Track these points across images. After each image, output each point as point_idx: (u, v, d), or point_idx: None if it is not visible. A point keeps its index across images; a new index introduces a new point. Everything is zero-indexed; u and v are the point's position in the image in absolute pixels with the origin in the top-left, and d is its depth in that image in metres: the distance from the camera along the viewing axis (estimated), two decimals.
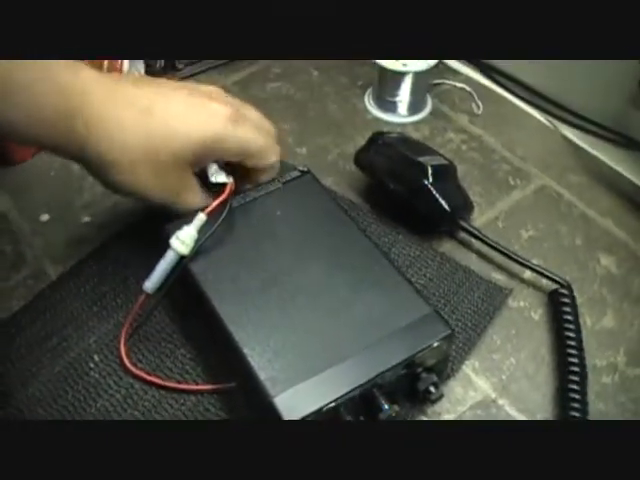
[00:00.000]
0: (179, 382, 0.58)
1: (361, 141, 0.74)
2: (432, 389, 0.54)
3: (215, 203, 0.58)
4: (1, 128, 0.51)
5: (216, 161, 0.60)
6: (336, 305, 0.55)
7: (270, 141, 0.61)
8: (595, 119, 0.78)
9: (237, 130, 0.57)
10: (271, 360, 0.51)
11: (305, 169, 0.66)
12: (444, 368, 0.58)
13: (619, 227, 0.72)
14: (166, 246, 0.56)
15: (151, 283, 0.57)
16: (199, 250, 0.57)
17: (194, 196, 0.60)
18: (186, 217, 0.57)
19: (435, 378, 0.54)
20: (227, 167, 0.61)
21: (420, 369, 0.54)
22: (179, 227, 0.56)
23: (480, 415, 0.58)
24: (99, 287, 0.65)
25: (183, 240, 0.56)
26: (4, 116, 0.50)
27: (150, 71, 0.87)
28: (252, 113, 0.61)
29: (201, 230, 0.57)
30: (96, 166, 0.55)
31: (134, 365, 0.59)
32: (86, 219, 0.72)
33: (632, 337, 0.63)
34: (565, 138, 0.81)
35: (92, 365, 0.59)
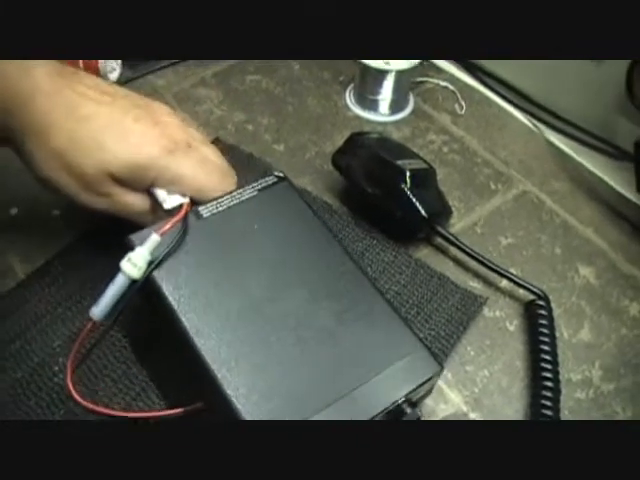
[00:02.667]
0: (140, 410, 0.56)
1: (340, 140, 0.72)
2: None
3: (169, 224, 0.53)
4: None
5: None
6: (321, 339, 0.51)
7: (214, 178, 0.59)
8: (581, 124, 0.77)
9: (171, 162, 0.55)
10: (258, 403, 0.47)
11: (281, 174, 0.62)
12: (426, 398, 0.56)
13: (600, 237, 0.71)
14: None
15: (98, 309, 0.52)
16: (170, 269, 0.53)
17: (126, 199, 0.57)
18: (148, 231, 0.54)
19: (419, 413, 0.51)
20: None
21: (405, 405, 0.51)
22: (133, 248, 0.53)
23: None
24: (65, 288, 0.63)
25: (135, 263, 0.51)
26: None
27: (129, 61, 0.86)
28: (203, 148, 0.59)
29: (155, 251, 0.52)
30: (25, 162, 0.56)
31: (83, 397, 0.55)
32: (56, 212, 0.70)
33: (608, 351, 0.62)
34: (549, 143, 0.80)
35: (56, 369, 0.58)
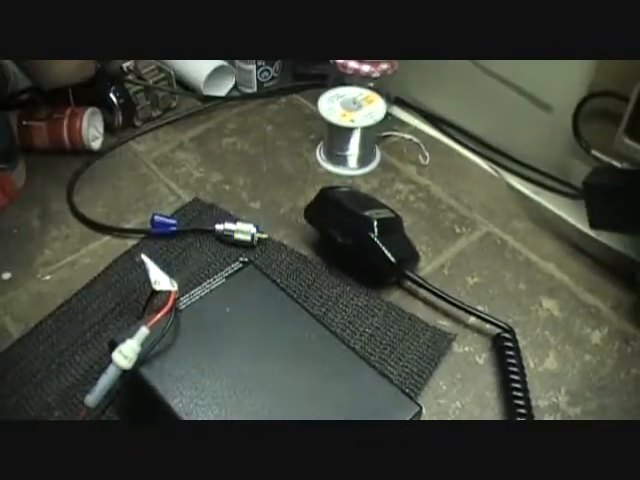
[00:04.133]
0: None
1: (312, 194, 0.76)
2: None
3: (158, 316, 0.57)
4: None
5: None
6: (304, 402, 0.55)
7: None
8: (538, 167, 0.82)
9: None
10: None
11: (246, 260, 0.66)
12: None
13: (561, 271, 0.75)
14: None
15: (93, 398, 0.55)
16: (154, 361, 0.57)
17: None
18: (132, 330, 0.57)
19: None
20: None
21: None
22: (124, 340, 0.56)
23: None
24: (57, 345, 0.66)
25: (126, 355, 0.55)
26: None
27: (110, 129, 0.90)
28: None
29: (144, 342, 0.56)
30: None
31: None
32: (47, 277, 0.74)
33: (573, 377, 0.66)
34: (509, 186, 0.85)
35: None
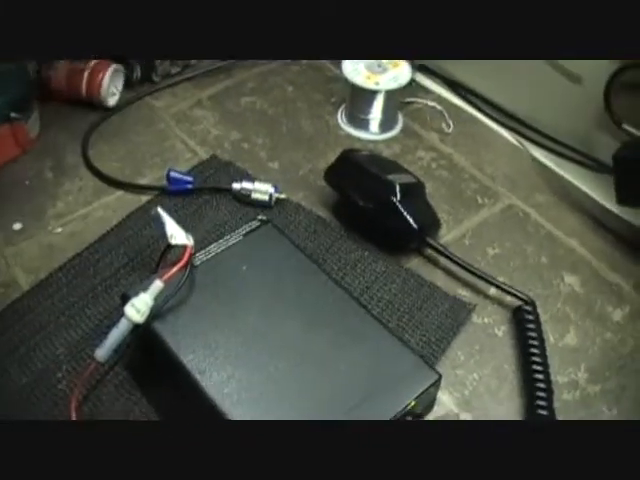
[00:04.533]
0: None
1: (333, 157, 0.75)
2: None
3: (173, 270, 0.56)
4: None
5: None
6: (318, 365, 0.54)
7: None
8: (563, 140, 0.80)
9: None
10: None
11: (264, 218, 0.65)
12: (430, 409, 0.58)
13: (584, 246, 0.73)
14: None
15: (103, 352, 0.54)
16: (167, 316, 0.55)
17: None
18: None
19: None
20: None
21: (410, 418, 0.53)
22: (137, 293, 0.54)
23: None
24: (68, 298, 0.65)
25: (139, 308, 0.53)
26: None
27: (128, 83, 0.89)
28: None
29: (158, 297, 0.55)
30: None
31: None
32: (58, 230, 0.72)
33: (593, 354, 0.64)
34: (533, 158, 0.83)
35: (60, 375, 0.60)
